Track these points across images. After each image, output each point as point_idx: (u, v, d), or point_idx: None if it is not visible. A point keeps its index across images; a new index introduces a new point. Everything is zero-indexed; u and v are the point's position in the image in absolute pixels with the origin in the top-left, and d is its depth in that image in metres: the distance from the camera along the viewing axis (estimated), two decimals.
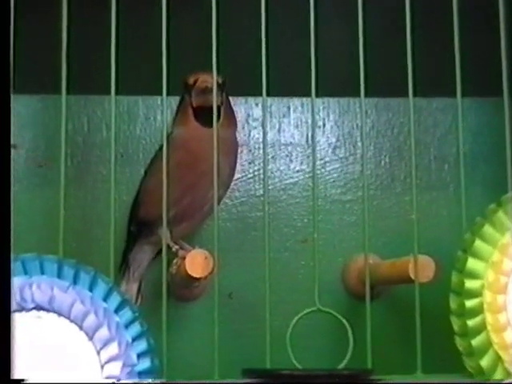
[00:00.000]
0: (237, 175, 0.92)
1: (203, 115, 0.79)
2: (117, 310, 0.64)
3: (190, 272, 0.70)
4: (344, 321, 0.69)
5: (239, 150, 0.89)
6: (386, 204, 0.94)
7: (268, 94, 0.93)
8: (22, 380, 0.58)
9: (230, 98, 0.88)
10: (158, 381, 0.63)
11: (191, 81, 0.80)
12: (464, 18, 0.71)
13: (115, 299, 0.64)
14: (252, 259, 0.89)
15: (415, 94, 0.95)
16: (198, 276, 0.70)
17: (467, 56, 0.81)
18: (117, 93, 0.91)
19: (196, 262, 0.70)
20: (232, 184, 0.91)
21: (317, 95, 0.95)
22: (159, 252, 0.83)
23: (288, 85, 0.91)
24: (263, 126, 0.68)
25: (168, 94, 0.68)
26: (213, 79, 0.75)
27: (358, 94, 0.88)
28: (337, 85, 0.91)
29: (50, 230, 0.67)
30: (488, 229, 0.68)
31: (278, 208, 0.93)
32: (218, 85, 0.74)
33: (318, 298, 0.90)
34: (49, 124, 0.91)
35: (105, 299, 0.64)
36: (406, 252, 0.76)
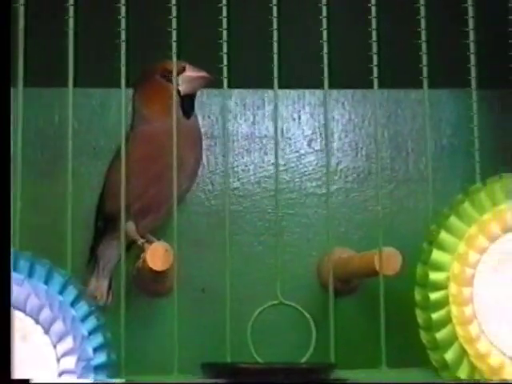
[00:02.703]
0: (210, 168, 0.91)
1: (186, 106, 0.79)
2: (73, 304, 0.63)
3: (150, 265, 0.69)
4: (307, 314, 0.68)
5: (213, 143, 0.88)
6: (362, 197, 0.93)
7: (242, 86, 0.93)
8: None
9: (204, 90, 0.87)
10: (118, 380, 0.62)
11: (178, 68, 0.78)
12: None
13: (71, 292, 0.63)
14: (226, 253, 0.88)
15: (392, 86, 0.94)
16: (158, 269, 0.69)
17: (445, 46, 0.79)
18: (89, 85, 0.91)
19: (156, 255, 0.69)
20: (205, 177, 0.90)
21: (292, 87, 0.94)
22: (128, 247, 0.82)
23: (263, 76, 0.89)
24: (224, 117, 0.67)
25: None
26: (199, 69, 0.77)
27: (334, 86, 0.87)
28: (312, 76, 0.89)
29: (22, 225, 0.66)
30: (454, 220, 0.66)
31: (251, 201, 0.91)
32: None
33: (294, 293, 0.89)
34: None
35: (61, 292, 0.63)
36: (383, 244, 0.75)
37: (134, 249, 0.80)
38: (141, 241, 0.77)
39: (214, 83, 0.79)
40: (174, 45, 0.67)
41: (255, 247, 0.90)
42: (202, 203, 0.91)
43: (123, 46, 0.67)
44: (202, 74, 0.78)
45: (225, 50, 0.67)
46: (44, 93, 0.89)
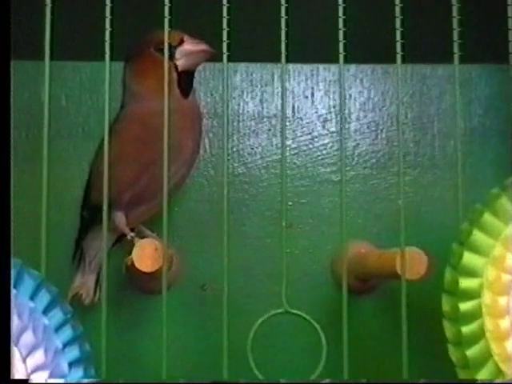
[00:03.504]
0: (213, 151, 0.82)
1: (184, 83, 0.71)
2: (45, 311, 0.55)
3: (138, 266, 0.60)
4: (317, 325, 0.59)
5: (216, 123, 0.80)
6: (382, 185, 0.83)
7: (250, 60, 0.84)
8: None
9: (206, 64, 0.78)
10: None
11: (175, 40, 0.70)
12: None
13: (44, 298, 0.55)
14: (229, 246, 0.80)
15: (417, 60, 0.85)
16: (146, 270, 0.60)
17: (476, 17, 0.71)
18: (78, 58, 0.83)
19: (145, 254, 0.60)
20: (207, 161, 0.82)
21: (305, 61, 0.85)
22: (117, 240, 0.74)
23: (272, 49, 0.81)
24: (224, 96, 0.58)
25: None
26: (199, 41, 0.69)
27: (351, 60, 0.78)
28: (327, 50, 0.81)
29: None
30: (489, 218, 0.57)
31: (259, 189, 0.82)
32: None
33: (306, 292, 0.81)
34: None
35: (32, 298, 0.55)
36: (405, 240, 0.66)
37: (124, 241, 0.71)
38: (130, 234, 0.69)
39: (217, 57, 0.71)
40: (166, 9, 0.59)
41: (262, 239, 0.82)
42: (203, 190, 0.82)
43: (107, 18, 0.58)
44: (203, 47, 0.69)
45: (225, 17, 0.58)
46: (27, 67, 0.80)
